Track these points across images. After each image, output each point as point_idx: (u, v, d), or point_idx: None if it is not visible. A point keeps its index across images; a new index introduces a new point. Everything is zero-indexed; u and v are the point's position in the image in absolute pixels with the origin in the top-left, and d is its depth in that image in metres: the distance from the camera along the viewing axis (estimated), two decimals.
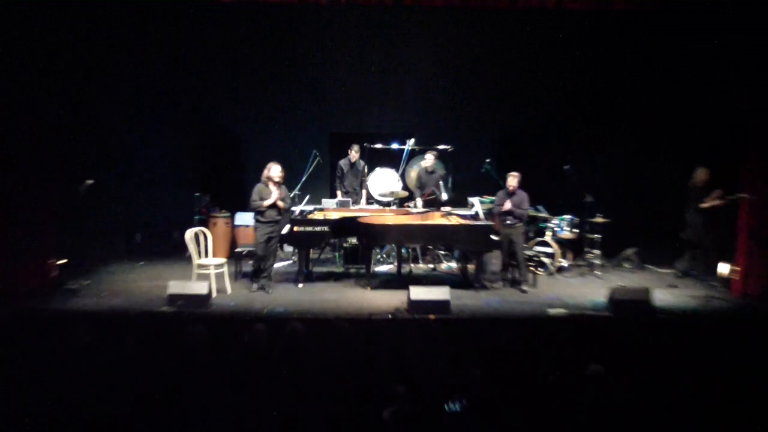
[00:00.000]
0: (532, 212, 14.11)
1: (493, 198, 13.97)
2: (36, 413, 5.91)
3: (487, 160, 14.15)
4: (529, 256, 12.91)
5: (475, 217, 13.31)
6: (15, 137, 11.32)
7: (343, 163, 14.02)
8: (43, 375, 7.11)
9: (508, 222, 12.42)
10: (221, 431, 5.86)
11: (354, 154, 13.95)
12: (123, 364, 7.47)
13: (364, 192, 14.02)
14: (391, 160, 14.40)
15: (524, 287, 12.32)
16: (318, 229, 12.42)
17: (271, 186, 11.84)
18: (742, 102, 12.15)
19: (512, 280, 12.60)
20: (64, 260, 12.30)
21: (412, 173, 14.54)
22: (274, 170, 11.92)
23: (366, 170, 14.21)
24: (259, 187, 11.81)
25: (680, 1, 12.18)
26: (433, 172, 13.86)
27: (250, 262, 12.97)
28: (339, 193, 13.97)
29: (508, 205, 12.34)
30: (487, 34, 14.67)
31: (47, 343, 8.26)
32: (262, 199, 11.78)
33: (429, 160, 13.81)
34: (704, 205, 12.94)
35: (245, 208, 14.67)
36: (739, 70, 12.08)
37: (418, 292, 10.93)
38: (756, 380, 7.37)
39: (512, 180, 12.48)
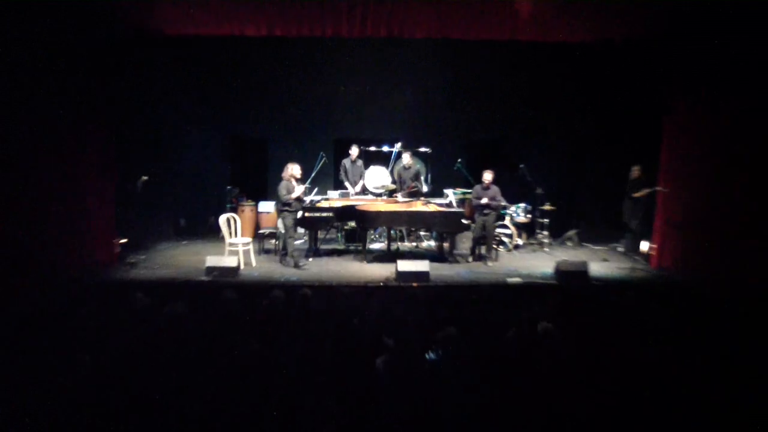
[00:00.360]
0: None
1: (465, 190, 14.00)
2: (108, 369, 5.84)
3: (459, 160, 14.20)
4: (492, 236, 12.85)
5: (449, 205, 13.28)
6: (87, 144, 11.41)
7: (346, 162, 13.96)
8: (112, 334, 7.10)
9: (485, 211, 12.29)
10: (248, 378, 5.80)
11: (354, 153, 13.88)
12: (173, 324, 7.44)
13: (361, 183, 13.96)
14: (383, 159, 14.33)
15: (489, 262, 12.24)
16: (324, 214, 12.45)
17: (294, 182, 11.78)
18: (656, 117, 12.19)
19: (479, 255, 12.52)
20: (125, 240, 12.29)
21: (398, 171, 14.47)
22: (296, 169, 11.87)
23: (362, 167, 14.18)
24: (284, 183, 11.73)
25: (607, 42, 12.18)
26: (409, 168, 13.76)
27: (272, 241, 12.96)
28: (348, 185, 13.88)
29: (485, 200, 12.23)
30: (458, 60, 14.65)
31: (114, 305, 8.28)
32: (290, 192, 11.69)
33: (406, 159, 13.72)
34: (636, 194, 13.00)
35: (267, 197, 14.72)
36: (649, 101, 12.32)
37: (404, 265, 10.95)
38: (667, 331, 7.41)
39: (487, 176, 12.34)
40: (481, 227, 12.36)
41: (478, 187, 12.49)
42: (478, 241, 12.55)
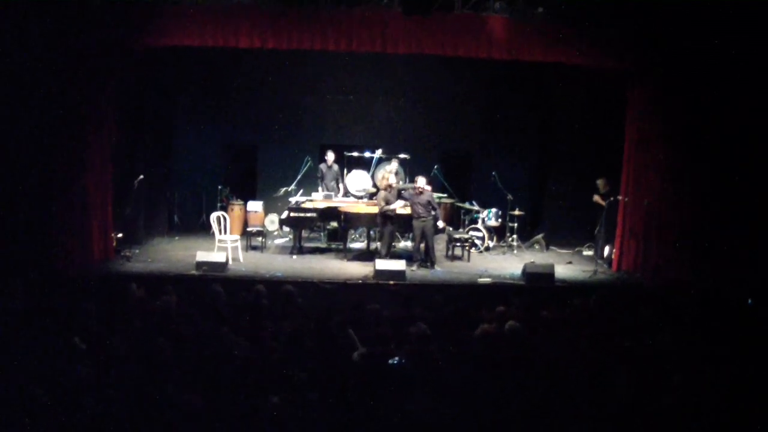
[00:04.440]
0: (467, 206, 14.07)
1: (441, 195, 13.93)
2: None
3: (435, 167, 14.19)
4: (465, 238, 12.77)
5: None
6: (87, 144, 11.34)
7: (322, 166, 13.87)
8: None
9: (422, 217, 11.62)
10: (233, 364, 5.70)
11: (330, 158, 13.79)
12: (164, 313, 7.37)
13: (341, 187, 13.87)
14: (364, 164, 14.25)
15: (435, 266, 11.90)
16: (309, 215, 12.42)
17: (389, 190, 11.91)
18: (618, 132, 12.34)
19: (427, 260, 11.99)
20: (121, 234, 12.18)
21: (378, 175, 14.36)
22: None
23: (345, 171, 14.07)
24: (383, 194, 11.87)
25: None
26: (396, 173, 13.66)
27: (259, 238, 12.86)
28: (320, 189, 13.78)
29: (395, 205, 11.72)
30: (436, 74, 14.60)
31: (110, 294, 8.22)
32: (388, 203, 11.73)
33: (394, 166, 13.68)
34: (594, 198, 13.11)
35: (255, 197, 14.61)
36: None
37: (382, 264, 10.94)
38: (624, 326, 7.55)
39: (421, 181, 11.73)
40: (420, 234, 11.73)
41: (411, 191, 11.84)
42: (418, 248, 11.89)
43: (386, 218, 11.70)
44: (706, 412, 5.23)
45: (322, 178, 13.86)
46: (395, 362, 5.79)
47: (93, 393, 5.04)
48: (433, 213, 11.73)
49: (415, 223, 11.72)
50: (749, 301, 9.16)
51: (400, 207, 11.72)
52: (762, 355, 6.42)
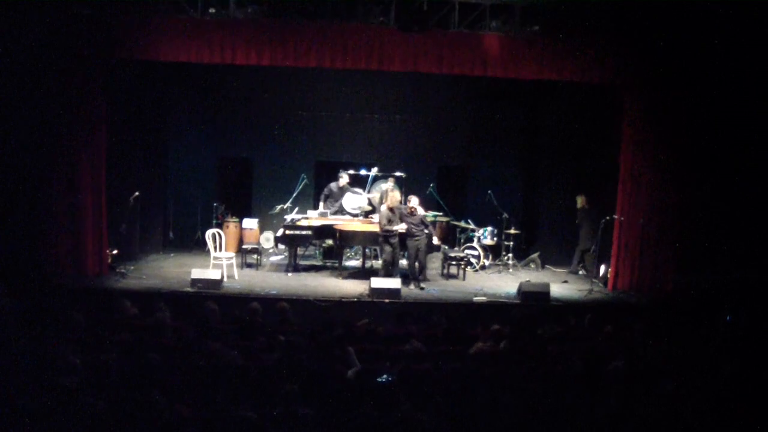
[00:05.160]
0: (463, 224, 14.15)
1: (436, 213, 14.00)
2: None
3: (431, 185, 14.34)
4: (460, 256, 12.85)
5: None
6: (80, 162, 11.45)
7: (333, 185, 13.90)
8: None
9: (416, 237, 11.78)
10: (227, 382, 5.77)
11: (344, 180, 13.85)
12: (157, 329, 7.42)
13: (338, 205, 13.95)
14: (360, 182, 14.33)
15: (422, 284, 11.90)
16: (304, 232, 12.51)
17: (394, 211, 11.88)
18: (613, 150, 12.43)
19: (416, 278, 12.02)
20: (116, 251, 12.22)
21: (375, 194, 14.43)
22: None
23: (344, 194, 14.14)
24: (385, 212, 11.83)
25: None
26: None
27: (254, 255, 12.92)
28: (321, 205, 13.83)
29: (401, 227, 11.70)
30: (431, 90, 14.77)
31: (104, 310, 8.27)
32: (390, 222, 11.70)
33: (390, 184, 13.79)
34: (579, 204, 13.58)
35: (251, 215, 14.68)
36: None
37: (378, 282, 11.05)
38: (619, 345, 7.54)
39: (413, 201, 11.97)
40: (415, 253, 11.88)
41: (404, 210, 11.95)
42: (413, 267, 12.00)
43: (387, 239, 11.76)
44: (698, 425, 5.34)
45: (329, 197, 13.90)
46: (384, 380, 5.88)
47: (78, 403, 5.10)
48: (426, 231, 11.86)
49: (410, 242, 11.84)
50: (728, 317, 9.30)
51: (402, 230, 11.76)
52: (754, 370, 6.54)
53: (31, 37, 10.56)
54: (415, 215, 11.84)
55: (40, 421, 4.79)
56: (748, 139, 11.40)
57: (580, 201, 13.60)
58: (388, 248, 11.74)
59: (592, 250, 13.21)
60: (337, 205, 13.87)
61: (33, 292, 8.99)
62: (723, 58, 10.95)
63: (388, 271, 11.76)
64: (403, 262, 12.92)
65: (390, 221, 11.67)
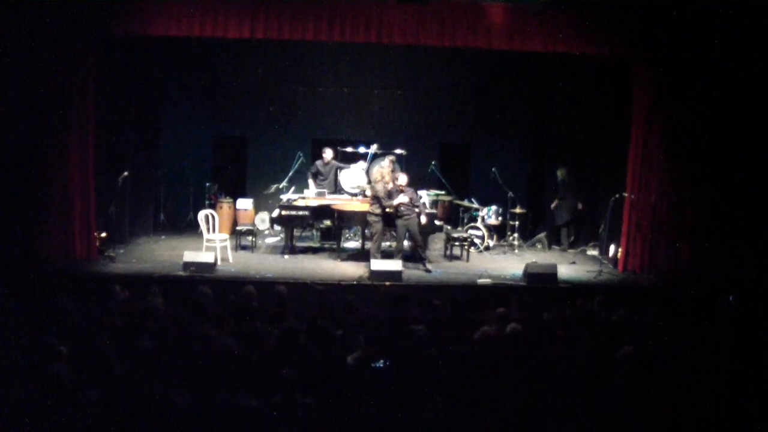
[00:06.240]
0: (466, 203, 14.12)
1: (438, 192, 13.95)
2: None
3: (432, 163, 14.24)
4: (464, 237, 12.81)
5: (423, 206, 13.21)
6: (70, 141, 11.44)
7: (318, 162, 13.84)
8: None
9: (406, 215, 11.66)
10: (223, 371, 5.74)
11: (328, 155, 13.75)
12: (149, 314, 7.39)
13: (333, 182, 13.90)
14: (359, 160, 14.25)
15: (428, 265, 11.88)
16: (301, 213, 12.47)
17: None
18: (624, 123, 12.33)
19: (419, 258, 12.03)
20: (105, 234, 12.19)
21: (374, 171, 14.37)
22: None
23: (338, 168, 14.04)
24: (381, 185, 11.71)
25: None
26: (393, 170, 13.75)
27: (249, 237, 12.89)
28: (311, 183, 13.76)
29: (397, 201, 11.57)
30: (433, 64, 14.69)
31: (92, 293, 8.24)
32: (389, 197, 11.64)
33: (390, 162, 13.73)
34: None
35: (245, 195, 14.64)
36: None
37: (378, 264, 10.99)
38: (626, 332, 7.50)
39: (402, 178, 11.80)
40: (404, 232, 11.82)
41: (392, 187, 11.75)
42: (401, 248, 11.95)
43: (386, 216, 11.70)
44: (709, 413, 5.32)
45: (316, 175, 13.84)
46: (380, 366, 5.87)
47: (71, 392, 5.08)
48: (416, 210, 11.79)
49: (399, 222, 11.73)
50: (730, 298, 9.27)
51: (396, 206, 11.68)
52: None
53: (20, 13, 10.48)
54: (403, 193, 11.67)
55: (29, 412, 4.78)
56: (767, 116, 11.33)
57: (561, 173, 13.72)
58: (378, 227, 11.67)
59: (567, 227, 13.79)
60: (327, 183, 13.76)
61: (24, 280, 8.99)
62: (739, 28, 10.85)
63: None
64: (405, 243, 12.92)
65: (390, 195, 11.55)
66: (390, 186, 11.63)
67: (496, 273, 11.67)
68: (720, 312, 8.75)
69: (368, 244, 12.85)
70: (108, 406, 4.90)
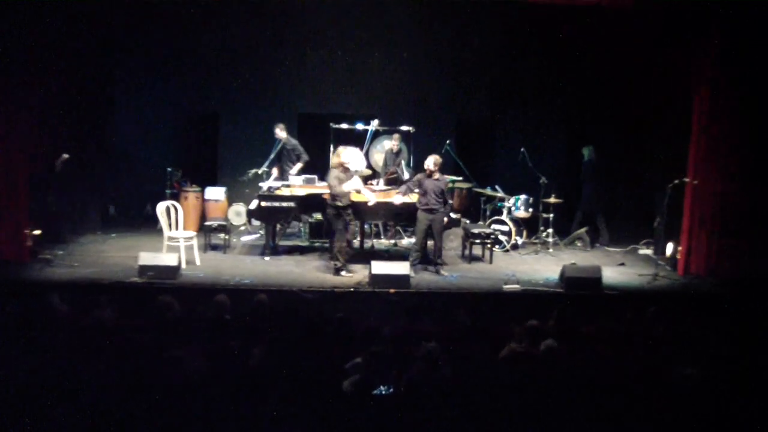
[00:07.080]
0: (489, 192, 14.12)
1: (454, 177, 13.94)
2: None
3: (447, 142, 14.15)
4: (486, 233, 12.80)
5: None
6: None
7: (387, 151, 14.10)
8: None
9: (433, 209, 11.65)
10: (191, 400, 5.76)
11: (279, 133, 13.76)
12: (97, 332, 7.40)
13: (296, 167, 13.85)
14: (357, 140, 14.24)
15: (442, 270, 11.90)
16: (285, 204, 12.39)
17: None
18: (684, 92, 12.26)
19: (433, 262, 12.03)
20: (39, 231, 12.15)
21: (377, 155, 14.42)
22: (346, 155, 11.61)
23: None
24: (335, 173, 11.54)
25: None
26: (398, 153, 13.78)
27: (221, 235, 12.89)
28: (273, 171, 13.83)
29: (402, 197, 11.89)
30: (448, 22, 14.64)
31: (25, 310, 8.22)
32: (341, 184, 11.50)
33: (393, 141, 13.72)
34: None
35: (216, 182, 14.63)
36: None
37: (380, 267, 10.98)
38: (688, 350, 7.46)
39: (430, 162, 11.78)
40: (425, 228, 11.77)
41: (421, 175, 11.84)
42: (420, 245, 11.96)
43: (338, 208, 11.54)
44: None
45: (279, 158, 13.85)
46: (382, 392, 5.89)
47: None
48: (446, 206, 11.78)
49: (421, 215, 11.67)
50: None
51: (356, 190, 11.71)
52: None
53: None
54: (433, 179, 11.64)
55: None
56: None
57: (587, 153, 13.88)
58: (340, 224, 11.53)
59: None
60: (296, 167, 13.75)
61: None
62: None
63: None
64: (404, 242, 12.93)
65: (341, 182, 11.43)
66: (350, 173, 11.60)
67: (526, 278, 11.68)
68: None
69: (367, 242, 12.88)
70: None
